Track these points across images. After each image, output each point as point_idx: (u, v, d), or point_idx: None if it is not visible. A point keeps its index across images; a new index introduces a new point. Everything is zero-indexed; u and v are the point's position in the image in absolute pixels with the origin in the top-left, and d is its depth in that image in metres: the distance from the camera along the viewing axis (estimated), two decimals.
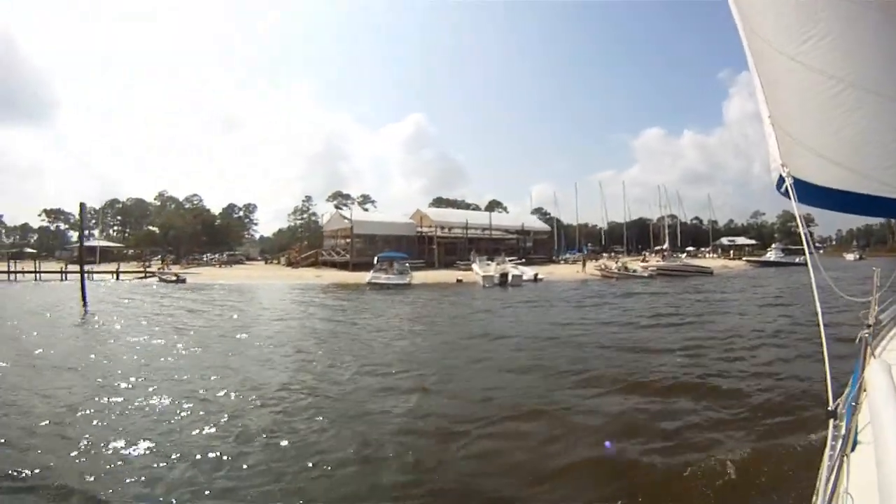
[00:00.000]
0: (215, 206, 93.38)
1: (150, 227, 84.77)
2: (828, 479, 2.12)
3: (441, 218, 55.08)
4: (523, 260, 48.38)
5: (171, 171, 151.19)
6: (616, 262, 43.94)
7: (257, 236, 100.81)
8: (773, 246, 68.00)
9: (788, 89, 4.22)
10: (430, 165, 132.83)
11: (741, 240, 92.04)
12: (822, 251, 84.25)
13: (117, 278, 44.15)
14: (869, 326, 3.59)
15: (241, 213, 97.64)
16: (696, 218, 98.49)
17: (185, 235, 76.64)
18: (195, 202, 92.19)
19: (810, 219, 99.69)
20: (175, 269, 50.92)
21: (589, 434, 6.27)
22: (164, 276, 42.17)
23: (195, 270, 51.40)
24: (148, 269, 49.15)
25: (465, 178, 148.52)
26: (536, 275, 37.09)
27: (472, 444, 6.00)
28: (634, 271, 40.20)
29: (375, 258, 38.00)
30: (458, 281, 36.40)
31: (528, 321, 16.94)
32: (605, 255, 62.21)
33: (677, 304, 21.33)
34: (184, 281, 39.71)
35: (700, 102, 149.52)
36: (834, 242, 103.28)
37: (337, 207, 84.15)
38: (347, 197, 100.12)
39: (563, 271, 43.25)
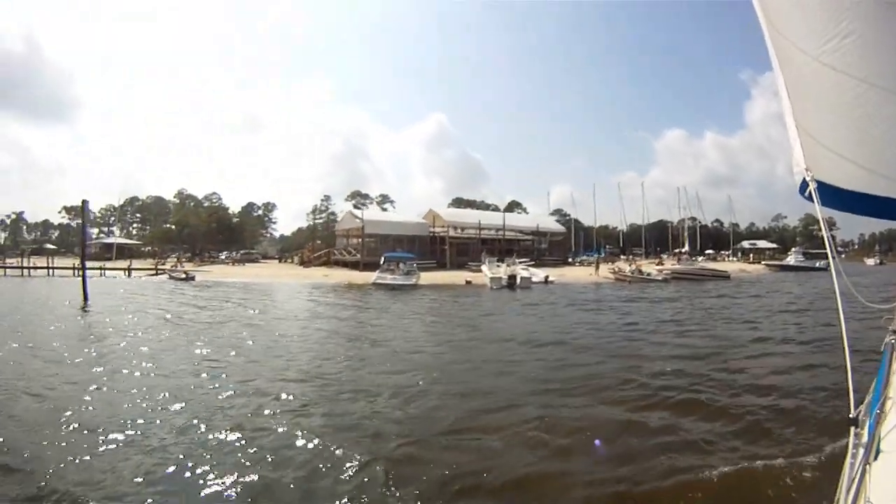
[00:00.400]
0: (236, 205, 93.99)
1: (167, 225, 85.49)
2: (849, 488, 2.07)
3: (454, 218, 54.36)
4: (535, 262, 47.67)
5: (194, 171, 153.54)
6: (630, 265, 42.89)
7: (277, 235, 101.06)
8: (794, 250, 66.21)
9: (811, 90, 4.11)
10: (451, 165, 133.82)
11: (762, 243, 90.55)
12: (843, 255, 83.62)
13: (129, 275, 44.60)
14: (894, 332, 3.53)
15: (261, 212, 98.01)
16: (717, 220, 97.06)
17: (200, 233, 77.09)
18: (214, 200, 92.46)
19: (832, 222, 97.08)
20: (188, 266, 51.25)
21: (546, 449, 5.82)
22: (174, 274, 42.42)
23: (207, 268, 51.59)
24: (160, 266, 49.52)
25: (485, 179, 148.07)
26: (547, 277, 36.34)
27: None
28: (649, 274, 39.20)
29: (382, 258, 37.51)
30: (468, 282, 35.61)
31: (522, 325, 16.33)
32: (622, 257, 60.95)
33: (684, 311, 20.57)
34: (193, 278, 39.76)
35: (721, 103, 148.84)
36: (856, 246, 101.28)
37: (356, 207, 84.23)
38: (366, 196, 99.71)
39: (576, 273, 42.40)
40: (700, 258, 54.59)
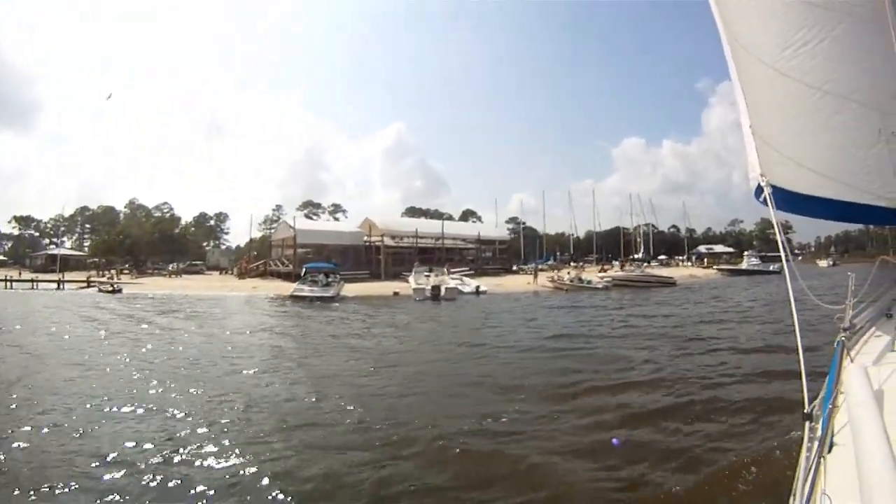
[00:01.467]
0: (189, 215, 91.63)
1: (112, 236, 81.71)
2: (805, 480, 2.16)
3: (390, 227, 51.68)
4: (475, 271, 45.33)
5: (154, 180, 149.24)
6: (568, 273, 40.60)
7: (234, 245, 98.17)
8: (747, 253, 65.37)
9: (768, 98, 4.43)
10: (410, 175, 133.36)
11: (719, 248, 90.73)
12: (800, 258, 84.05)
13: (59, 287, 43.27)
14: (845, 330, 3.77)
15: (213, 222, 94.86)
16: (674, 227, 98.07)
17: (143, 244, 74.46)
18: (164, 210, 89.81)
19: (788, 226, 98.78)
20: (125, 278, 50.62)
21: None
22: (102, 287, 41.27)
23: (141, 280, 50.01)
24: (91, 279, 47.97)
25: (445, 188, 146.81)
26: (479, 287, 34.17)
27: None
28: (589, 282, 37.08)
29: (304, 269, 35.70)
30: (395, 293, 33.82)
31: (415, 342, 14.96)
32: (572, 264, 58.81)
33: (600, 321, 19.00)
34: (120, 291, 38.46)
35: (680, 112, 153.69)
36: (812, 249, 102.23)
37: (307, 217, 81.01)
38: (318, 206, 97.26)
39: (515, 282, 40.42)
40: (654, 264, 52.85)
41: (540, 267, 58.23)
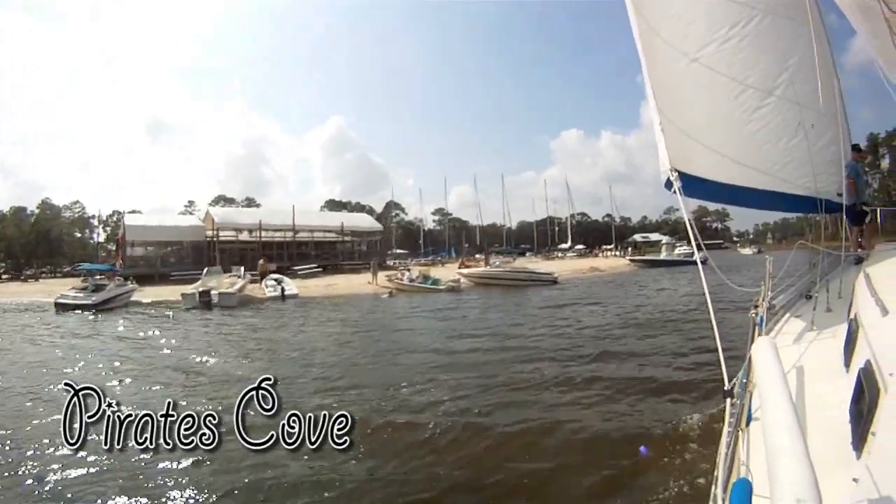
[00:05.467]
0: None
1: None
2: (726, 454, 2.30)
3: (229, 218, 44.46)
4: (325, 267, 38.92)
5: (94, 180, 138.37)
6: (408, 272, 33.80)
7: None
8: (664, 241, 59.46)
9: (688, 90, 4.56)
10: (351, 169, 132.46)
11: (655, 236, 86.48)
12: (738, 245, 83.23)
13: None
14: (756, 307, 3.90)
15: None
16: (608, 216, 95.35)
17: (18, 245, 68.27)
18: (76, 210, 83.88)
19: (725, 214, 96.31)
20: None
21: None
22: None
23: None
24: None
25: (386, 181, 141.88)
26: (283, 290, 27.75)
27: None
28: (436, 282, 30.42)
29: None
30: (183, 296, 27.35)
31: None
32: (477, 256, 51.77)
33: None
34: None
35: (618, 105, 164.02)
36: (751, 236, 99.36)
37: None
38: (231, 200, 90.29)
39: (350, 283, 33.85)
40: (532, 256, 46.54)
41: (439, 259, 51.75)
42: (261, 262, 33.14)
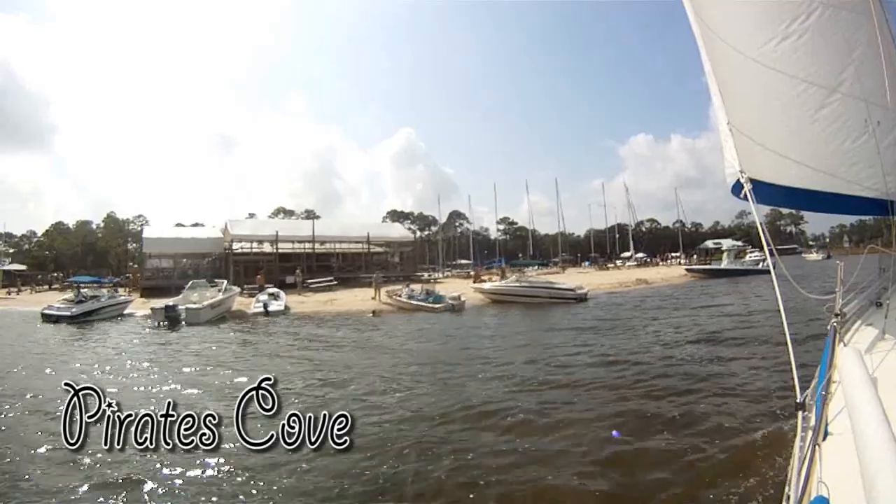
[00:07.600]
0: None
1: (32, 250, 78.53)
2: (800, 469, 2.12)
3: (245, 231, 43.18)
4: (340, 280, 36.82)
5: (164, 195, 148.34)
6: (408, 287, 30.34)
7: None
8: (725, 247, 52.52)
9: (749, 91, 4.33)
10: (421, 180, 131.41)
11: (728, 242, 78.69)
12: (814, 250, 76.47)
13: None
14: (837, 316, 3.73)
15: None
16: (679, 222, 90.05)
17: (66, 257, 71.16)
18: (138, 223, 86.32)
19: (799, 216, 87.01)
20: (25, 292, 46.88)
21: None
22: None
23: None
24: None
25: (456, 192, 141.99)
26: (266, 306, 26.13)
27: None
28: (437, 299, 27.09)
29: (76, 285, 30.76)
30: (152, 310, 25.92)
31: None
32: (505, 266, 47.89)
33: None
34: None
35: (687, 108, 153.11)
36: (827, 239, 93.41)
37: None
38: (291, 213, 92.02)
39: (354, 298, 31.14)
40: (629, 263, 41.93)
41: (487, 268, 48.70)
42: (258, 275, 31.59)
